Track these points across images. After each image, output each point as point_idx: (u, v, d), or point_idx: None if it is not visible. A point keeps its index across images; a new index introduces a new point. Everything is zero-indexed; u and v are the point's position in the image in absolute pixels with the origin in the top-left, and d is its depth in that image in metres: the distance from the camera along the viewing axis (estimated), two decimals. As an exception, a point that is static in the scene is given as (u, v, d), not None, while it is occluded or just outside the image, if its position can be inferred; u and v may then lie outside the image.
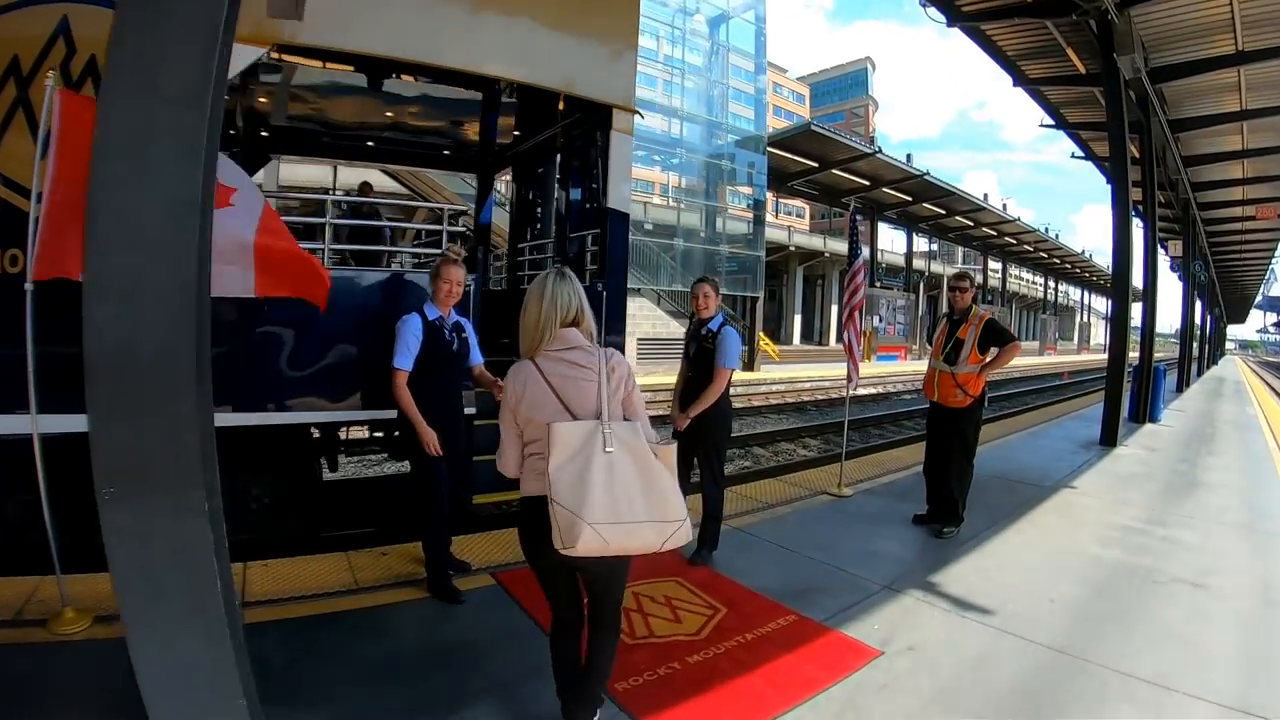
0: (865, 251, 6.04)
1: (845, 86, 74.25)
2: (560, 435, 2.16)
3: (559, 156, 6.64)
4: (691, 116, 22.66)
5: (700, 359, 4.33)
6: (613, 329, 5.19)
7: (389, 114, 6.80)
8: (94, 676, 2.81)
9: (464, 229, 5.07)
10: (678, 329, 20.24)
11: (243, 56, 3.94)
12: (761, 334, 24.09)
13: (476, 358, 3.97)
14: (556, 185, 6.88)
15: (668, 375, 17.95)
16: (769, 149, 23.71)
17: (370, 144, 7.44)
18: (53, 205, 2.98)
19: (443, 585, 3.73)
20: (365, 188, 7.31)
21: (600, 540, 2.08)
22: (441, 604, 3.64)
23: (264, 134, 6.96)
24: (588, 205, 5.89)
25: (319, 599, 3.64)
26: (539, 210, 7.38)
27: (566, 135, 6.15)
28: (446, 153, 7.87)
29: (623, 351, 4.98)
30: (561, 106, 6.02)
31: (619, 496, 2.14)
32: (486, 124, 7.01)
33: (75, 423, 2.98)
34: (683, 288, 21.63)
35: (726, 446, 4.64)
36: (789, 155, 25.08)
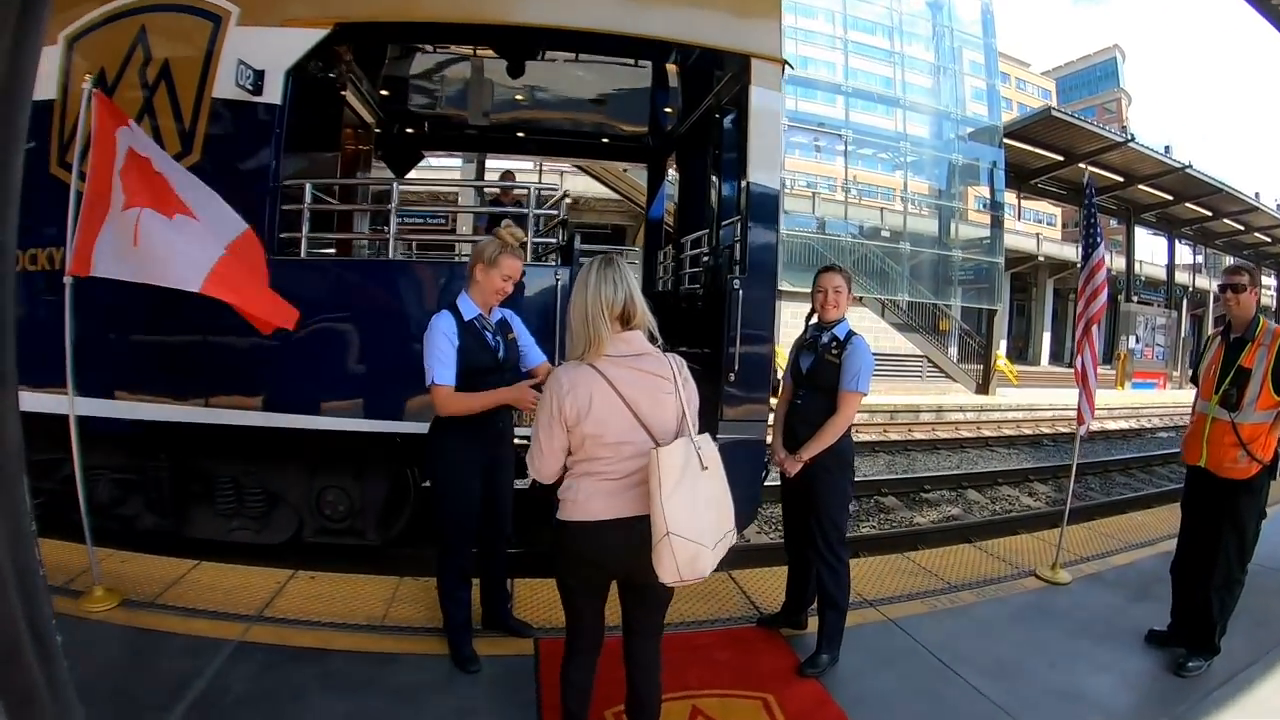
0: (1104, 249, 4.12)
1: (1093, 79, 65.07)
2: (667, 461, 1.94)
3: (712, 133, 5.62)
4: (915, 106, 20.14)
5: (817, 378, 3.16)
6: (752, 337, 4.05)
7: (531, 100, 6.21)
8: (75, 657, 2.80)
9: (558, 214, 4.25)
10: (904, 344, 18.13)
11: (301, 41, 3.77)
12: (998, 353, 20.75)
13: (535, 358, 3.11)
14: (711, 167, 5.86)
15: (893, 394, 16.02)
16: (1005, 141, 20.35)
17: (520, 135, 6.90)
18: (85, 204, 3.12)
19: (455, 646, 3.01)
20: (506, 176, 6.84)
21: (714, 561, 2.01)
22: (454, 667, 2.95)
23: (409, 131, 6.71)
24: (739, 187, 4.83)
25: (328, 629, 3.22)
26: (700, 199, 6.38)
27: (719, 106, 5.15)
28: (606, 141, 7.11)
29: (770, 364, 4.16)
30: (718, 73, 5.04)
31: (715, 512, 2.03)
32: (654, 106, 6.17)
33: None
34: (911, 297, 19.48)
35: (849, 503, 3.36)
36: (1028, 148, 21.32)
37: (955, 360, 20.15)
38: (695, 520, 1.94)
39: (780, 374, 3.60)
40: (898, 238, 20.00)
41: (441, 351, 2.73)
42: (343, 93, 5.05)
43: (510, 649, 3.10)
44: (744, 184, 4.04)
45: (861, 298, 17.58)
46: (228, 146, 3.80)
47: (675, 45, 4.08)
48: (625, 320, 2.04)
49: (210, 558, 4.18)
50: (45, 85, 3.82)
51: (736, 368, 3.98)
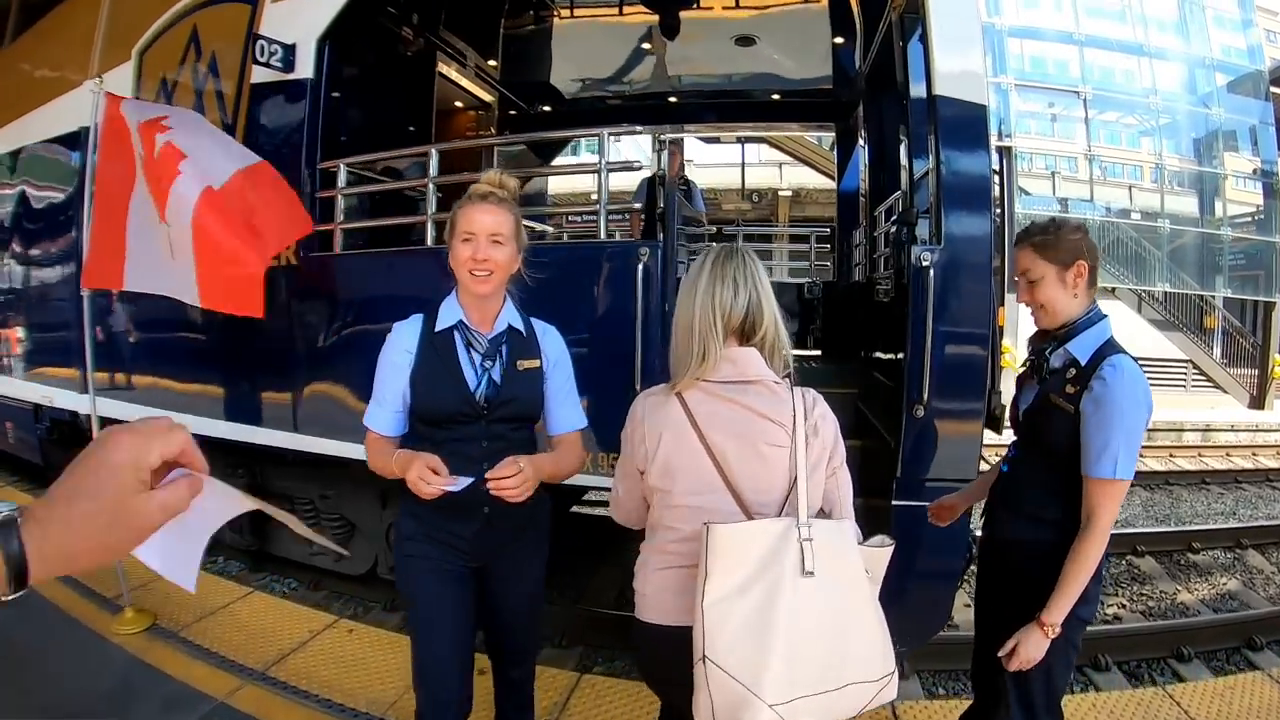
0: None
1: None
2: (727, 546, 1.19)
3: (897, 65, 3.75)
4: (1162, 53, 15.36)
5: (1038, 430, 1.66)
6: (952, 337, 2.35)
7: (684, 61, 5.00)
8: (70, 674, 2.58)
9: (637, 163, 2.86)
10: (1165, 346, 13.79)
11: (329, 5, 3.09)
12: (1277, 357, 15.40)
13: (563, 417, 1.73)
14: (901, 114, 3.95)
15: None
16: (1274, 90, 15.10)
17: (673, 100, 5.53)
18: (95, 213, 2.82)
19: None
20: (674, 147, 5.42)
21: None
22: None
23: (545, 109, 5.64)
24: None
25: (321, 709, 2.47)
26: (893, 157, 4.39)
27: (901, 22, 3.41)
28: (776, 97, 5.49)
29: (984, 380, 2.44)
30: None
31: (819, 650, 1.18)
32: (833, 51, 4.65)
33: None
34: (1170, 287, 15.04)
35: (1074, 651, 1.67)
36: (1302, 96, 15.63)
37: (1223, 364, 15.32)
38: (761, 655, 1.15)
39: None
40: (1153, 216, 15.56)
41: (379, 378, 1.65)
42: (437, 66, 4.16)
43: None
44: (932, 101, 2.39)
45: (1114, 289, 13.71)
46: (264, 133, 3.25)
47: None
48: (747, 336, 1.34)
49: (292, 577, 3.92)
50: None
51: (928, 385, 2.32)
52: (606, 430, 2.48)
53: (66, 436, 4.52)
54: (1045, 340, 1.66)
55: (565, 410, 1.72)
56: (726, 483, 1.29)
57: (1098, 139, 16.11)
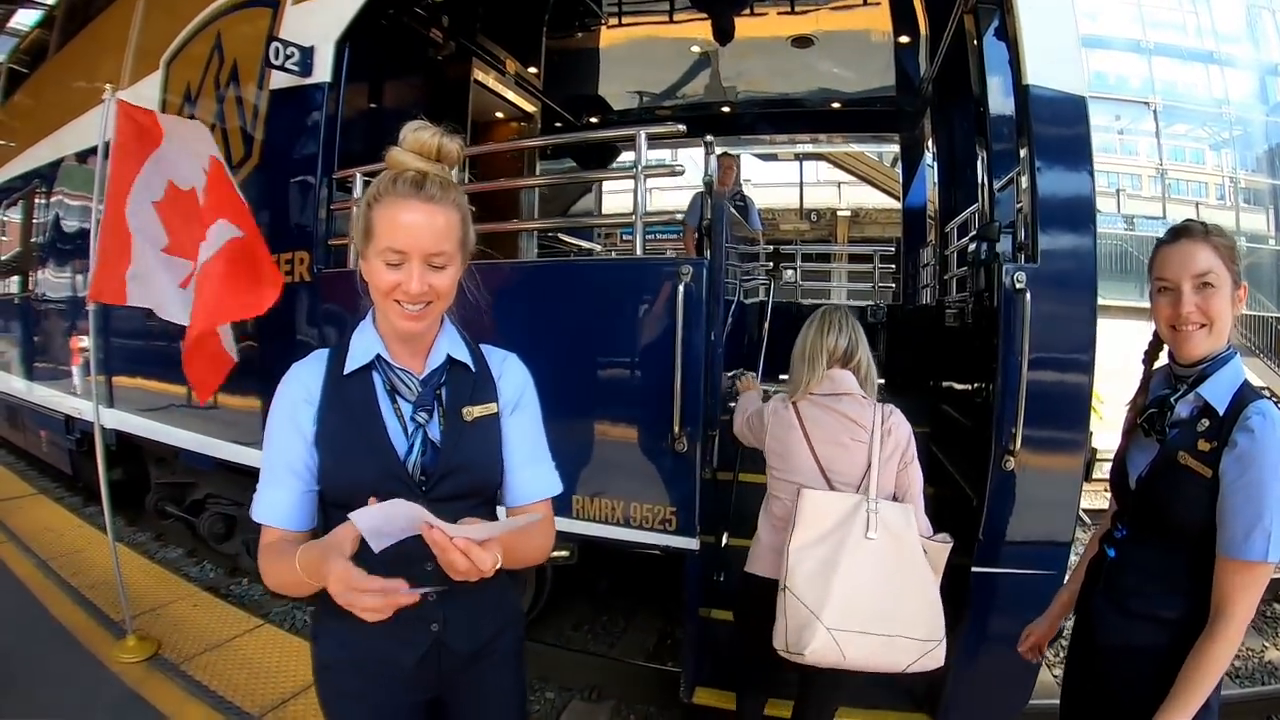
0: None
1: None
2: (812, 507, 1.64)
3: (970, 64, 3.34)
4: (1231, 61, 14.36)
5: (1159, 502, 1.24)
6: (1055, 370, 2.01)
7: (738, 71, 4.73)
8: (58, 699, 2.39)
9: (674, 167, 2.48)
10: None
11: (349, 3, 2.86)
12: None
13: (525, 487, 1.16)
14: (976, 120, 3.52)
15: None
16: None
17: (726, 110, 5.24)
18: (103, 223, 2.63)
19: None
20: (725, 159, 4.64)
21: (836, 651, 1.56)
22: None
23: (592, 120, 5.43)
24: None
25: None
26: (967, 166, 3.92)
27: (974, 13, 3.01)
28: (837, 105, 5.11)
29: (1086, 424, 2.23)
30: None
31: (872, 598, 1.57)
32: (896, 54, 4.29)
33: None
34: (1247, 309, 13.96)
35: None
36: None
37: (1298, 390, 14.12)
38: (825, 588, 1.56)
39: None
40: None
41: (269, 447, 1.08)
42: (472, 73, 3.94)
43: None
44: (1023, 93, 2.02)
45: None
46: (282, 143, 3.07)
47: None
48: (846, 362, 1.80)
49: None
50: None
51: (1021, 431, 1.94)
52: (642, 477, 2.20)
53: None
54: (1168, 381, 1.30)
55: (530, 471, 1.16)
56: (818, 466, 1.71)
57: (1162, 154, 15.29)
